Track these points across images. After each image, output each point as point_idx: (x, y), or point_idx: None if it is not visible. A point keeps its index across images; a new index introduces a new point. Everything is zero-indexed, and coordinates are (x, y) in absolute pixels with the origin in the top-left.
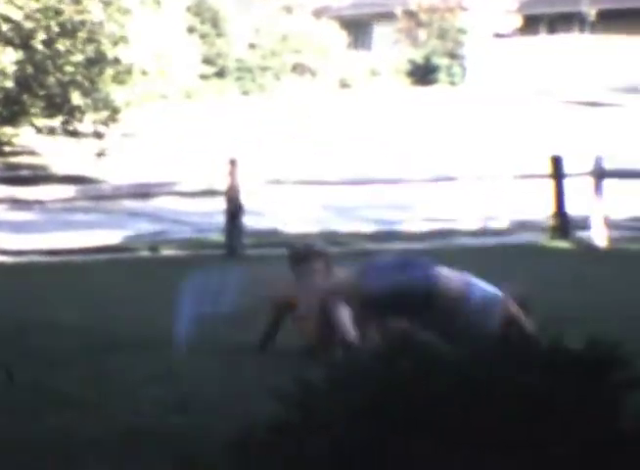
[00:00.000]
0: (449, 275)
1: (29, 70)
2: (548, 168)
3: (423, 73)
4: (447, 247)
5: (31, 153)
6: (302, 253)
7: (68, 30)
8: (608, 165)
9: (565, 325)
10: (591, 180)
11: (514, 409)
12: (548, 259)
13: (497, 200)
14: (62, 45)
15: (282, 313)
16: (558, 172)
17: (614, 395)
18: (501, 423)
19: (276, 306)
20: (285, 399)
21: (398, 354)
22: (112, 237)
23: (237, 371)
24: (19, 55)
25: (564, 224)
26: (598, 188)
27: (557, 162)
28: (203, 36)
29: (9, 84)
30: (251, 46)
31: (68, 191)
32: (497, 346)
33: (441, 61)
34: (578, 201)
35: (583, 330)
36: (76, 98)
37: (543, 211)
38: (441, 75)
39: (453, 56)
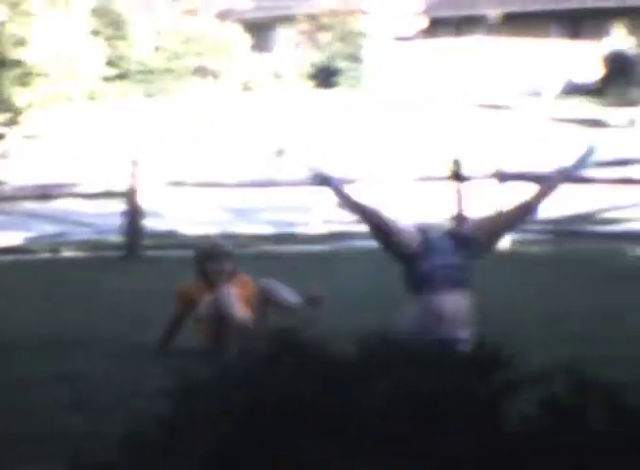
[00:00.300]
0: None
1: None
2: (449, 171)
3: (324, 77)
4: (346, 249)
5: None
6: (209, 253)
7: None
8: (507, 168)
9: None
10: (491, 183)
11: (397, 410)
12: None
13: (397, 202)
14: None
15: (184, 313)
16: (458, 175)
17: (496, 396)
18: (384, 424)
19: (178, 306)
20: (171, 396)
21: (281, 354)
22: (12, 239)
23: (136, 371)
24: None
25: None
26: (497, 191)
27: (457, 164)
28: (107, 39)
29: None
30: (155, 49)
31: None
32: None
33: (342, 64)
34: (479, 203)
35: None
36: None
37: (444, 213)
38: (342, 79)
39: (354, 59)
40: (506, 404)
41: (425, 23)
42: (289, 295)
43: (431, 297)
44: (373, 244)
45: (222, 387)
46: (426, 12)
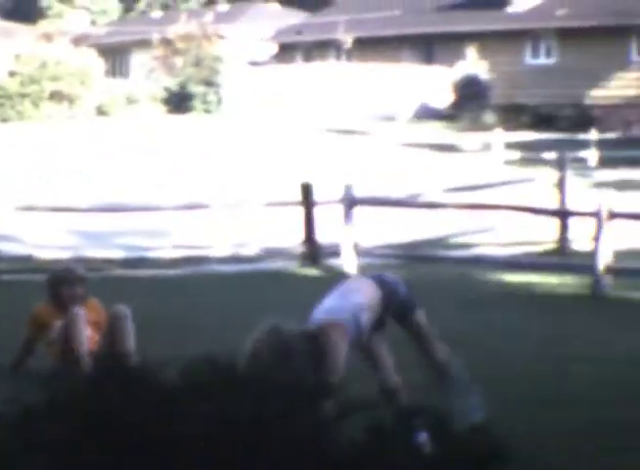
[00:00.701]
0: None
1: None
2: (299, 196)
3: (178, 101)
4: (198, 274)
5: None
6: (62, 277)
7: None
8: (358, 193)
9: None
10: (341, 208)
11: (221, 435)
12: (297, 287)
13: (249, 227)
14: None
15: (36, 337)
16: (308, 200)
17: (324, 422)
18: (208, 449)
19: (30, 330)
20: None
21: (107, 380)
22: None
23: None
24: None
25: (314, 251)
26: (348, 215)
27: (307, 189)
28: None
29: None
30: (11, 73)
31: None
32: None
33: (197, 89)
34: (330, 228)
35: None
36: None
37: (294, 238)
38: (197, 103)
39: (209, 84)
40: (337, 430)
41: (275, 47)
42: (130, 336)
43: None
44: (227, 269)
45: (50, 415)
46: (276, 37)
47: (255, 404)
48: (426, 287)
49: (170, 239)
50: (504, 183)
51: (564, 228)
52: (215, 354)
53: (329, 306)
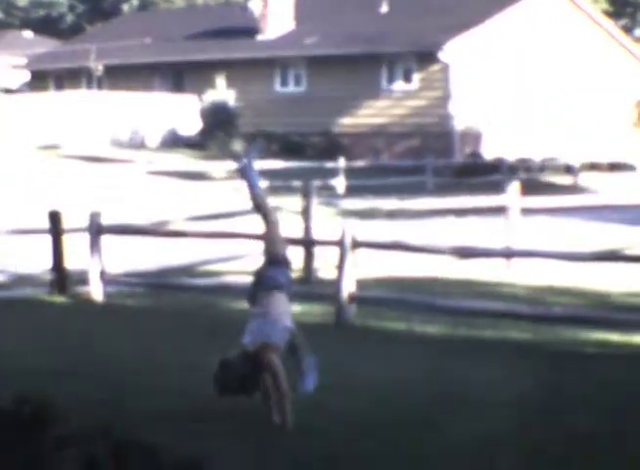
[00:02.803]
0: None
1: None
2: (47, 223)
3: None
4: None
5: None
6: None
7: None
8: (105, 221)
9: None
10: (88, 236)
11: None
12: (44, 313)
13: None
14: None
15: None
16: (56, 228)
17: (41, 453)
18: None
19: None
20: None
21: None
22: None
23: None
24: None
25: (62, 279)
26: (94, 243)
27: (55, 217)
28: None
29: None
30: None
31: None
32: None
33: None
34: (78, 256)
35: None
36: None
37: (43, 265)
38: None
39: None
40: (53, 463)
41: (27, 75)
42: None
43: None
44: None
45: None
46: (29, 65)
47: None
48: (173, 315)
49: None
50: (250, 212)
51: (308, 257)
52: None
53: (263, 330)
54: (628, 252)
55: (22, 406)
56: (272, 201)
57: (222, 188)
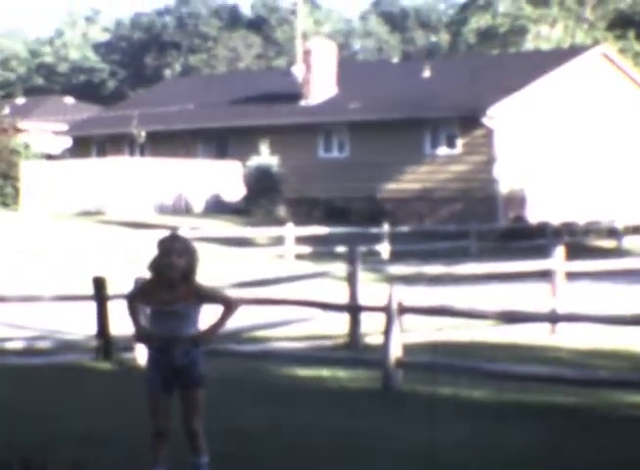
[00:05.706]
0: None
1: None
2: (91, 289)
3: None
4: None
5: None
6: None
7: None
8: None
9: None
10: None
11: None
12: (89, 380)
13: (42, 320)
14: None
15: None
16: (100, 293)
17: None
18: None
19: None
20: None
21: None
22: None
23: None
24: None
25: (107, 345)
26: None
27: (99, 283)
28: None
29: None
30: None
31: None
32: None
33: None
34: (124, 322)
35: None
36: None
37: (87, 331)
38: None
39: (6, 177)
40: None
41: (69, 141)
42: None
43: None
44: (20, 361)
45: None
46: (70, 130)
47: None
48: (219, 381)
49: None
50: (295, 278)
51: (354, 322)
52: None
53: None
54: None
55: None
56: (316, 267)
57: (265, 254)
